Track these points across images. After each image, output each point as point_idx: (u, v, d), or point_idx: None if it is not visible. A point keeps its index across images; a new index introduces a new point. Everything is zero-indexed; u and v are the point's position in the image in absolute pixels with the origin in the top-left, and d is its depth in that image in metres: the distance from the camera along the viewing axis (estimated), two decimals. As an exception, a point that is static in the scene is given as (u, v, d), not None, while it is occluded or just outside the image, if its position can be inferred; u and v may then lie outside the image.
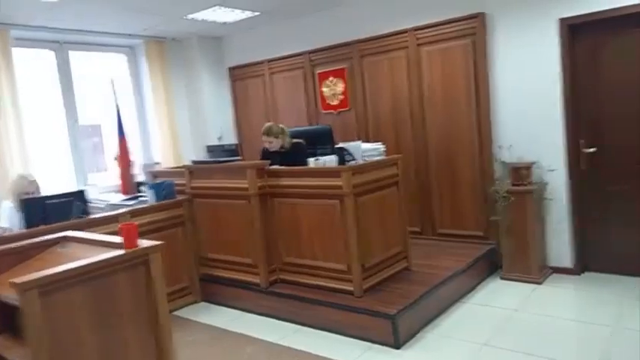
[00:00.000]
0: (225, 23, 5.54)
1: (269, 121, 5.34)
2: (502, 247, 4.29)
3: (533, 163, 4.20)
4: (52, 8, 4.37)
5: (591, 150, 4.13)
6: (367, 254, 3.65)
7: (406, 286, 3.70)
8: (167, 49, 6.05)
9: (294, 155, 4.32)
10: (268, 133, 4.37)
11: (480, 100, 4.48)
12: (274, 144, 4.38)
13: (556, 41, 4.07)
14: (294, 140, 4.46)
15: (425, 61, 4.76)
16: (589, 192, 4.21)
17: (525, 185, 4.14)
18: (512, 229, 4.18)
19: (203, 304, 4.40)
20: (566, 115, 4.12)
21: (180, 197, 4.42)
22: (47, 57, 5.30)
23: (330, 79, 5.48)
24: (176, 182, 4.50)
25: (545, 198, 4.26)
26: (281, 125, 4.51)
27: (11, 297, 1.97)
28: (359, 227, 3.58)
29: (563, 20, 4.02)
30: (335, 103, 5.49)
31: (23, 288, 1.80)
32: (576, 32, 4.07)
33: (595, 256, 4.24)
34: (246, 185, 3.94)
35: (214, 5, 4.83)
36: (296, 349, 3.36)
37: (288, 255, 3.97)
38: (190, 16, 5.11)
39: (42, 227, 3.41)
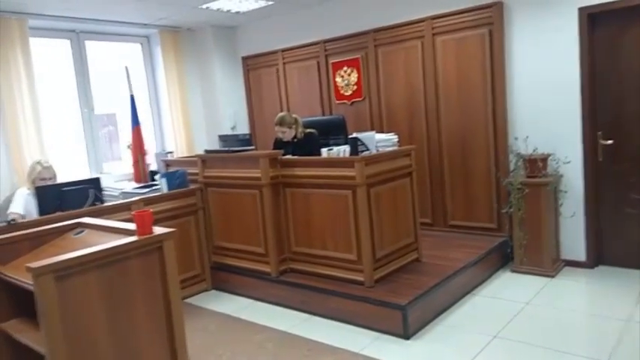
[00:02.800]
0: (239, 12, 5.53)
1: (282, 111, 5.37)
2: (515, 239, 4.25)
3: (549, 154, 4.14)
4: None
5: (609, 142, 4.06)
6: (378, 245, 3.65)
7: (417, 277, 3.70)
8: (181, 38, 6.07)
9: (306, 145, 4.33)
10: (281, 123, 4.39)
11: (495, 91, 4.42)
12: (287, 134, 4.40)
13: (575, 31, 3.99)
14: (307, 130, 4.47)
15: (440, 51, 4.70)
16: (605, 184, 4.14)
17: (540, 177, 4.08)
18: (525, 221, 4.13)
19: (214, 292, 4.45)
20: (584, 106, 4.04)
21: (192, 186, 4.45)
22: (63, 46, 5.34)
23: (344, 69, 5.44)
24: (189, 171, 4.53)
25: (560, 190, 4.21)
26: (294, 115, 4.52)
27: (26, 281, 2.01)
28: (371, 218, 3.58)
29: (582, 9, 3.94)
30: (349, 93, 5.45)
31: (38, 273, 1.82)
32: (596, 21, 3.98)
33: (609, 250, 4.19)
34: (258, 175, 3.95)
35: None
36: (305, 338, 3.39)
37: (299, 244, 3.98)
38: (205, 6, 5.11)
39: (57, 214, 3.46)
